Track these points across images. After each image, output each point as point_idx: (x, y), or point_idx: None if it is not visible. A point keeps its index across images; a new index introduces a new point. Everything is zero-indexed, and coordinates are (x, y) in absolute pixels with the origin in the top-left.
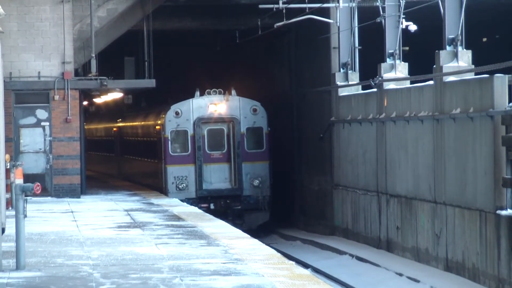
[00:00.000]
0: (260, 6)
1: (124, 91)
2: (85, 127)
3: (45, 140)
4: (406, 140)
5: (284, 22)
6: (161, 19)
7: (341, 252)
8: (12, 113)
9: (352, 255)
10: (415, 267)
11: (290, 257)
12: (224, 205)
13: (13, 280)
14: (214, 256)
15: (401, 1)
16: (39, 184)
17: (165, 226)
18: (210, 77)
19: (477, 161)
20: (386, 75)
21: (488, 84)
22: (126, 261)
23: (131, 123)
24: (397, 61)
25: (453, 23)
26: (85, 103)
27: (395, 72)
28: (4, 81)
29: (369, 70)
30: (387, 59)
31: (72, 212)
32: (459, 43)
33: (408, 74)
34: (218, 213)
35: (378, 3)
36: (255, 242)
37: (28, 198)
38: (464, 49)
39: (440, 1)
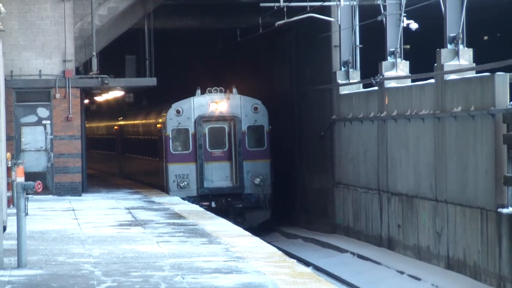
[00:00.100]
0: (261, 4)
1: (125, 89)
2: (86, 125)
3: (46, 138)
4: (407, 139)
5: (285, 20)
6: (162, 17)
7: (342, 250)
8: (13, 111)
9: (353, 253)
10: (416, 265)
11: (291, 255)
12: (225, 203)
13: (14, 278)
14: (216, 254)
15: None
16: (40, 182)
17: (167, 224)
18: (211, 76)
19: (478, 159)
20: (387, 74)
21: (489, 82)
22: (128, 259)
23: (132, 122)
24: (398, 60)
25: (454, 21)
26: (86, 101)
27: (396, 71)
28: (5, 79)
29: (370, 69)
30: (388, 58)
31: (73, 210)
32: (460, 41)
33: (409, 73)
34: (219, 211)
35: (379, 1)
36: (257, 240)
37: (29, 196)
38: (465, 48)
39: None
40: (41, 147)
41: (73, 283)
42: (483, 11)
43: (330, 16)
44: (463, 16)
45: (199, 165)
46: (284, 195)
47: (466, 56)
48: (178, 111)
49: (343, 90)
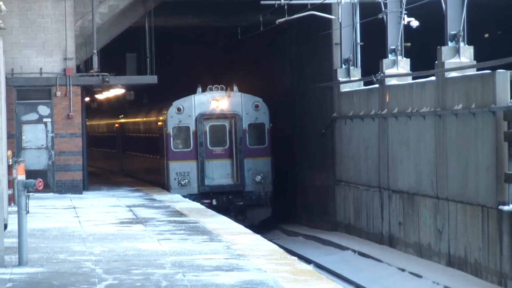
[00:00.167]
0: (262, 2)
1: (126, 87)
2: (87, 123)
3: (47, 136)
4: (408, 136)
5: (286, 18)
6: (162, 15)
7: (343, 248)
8: (14, 109)
9: (354, 251)
10: (417, 262)
11: (292, 253)
12: (226, 201)
13: (15, 276)
14: (217, 252)
15: None
16: (41, 180)
17: (168, 222)
18: (211, 74)
19: (479, 156)
20: (388, 71)
21: (490, 80)
22: (129, 257)
23: (133, 119)
24: (399, 57)
25: (455, 18)
26: (87, 99)
27: (397, 68)
28: (6, 77)
29: (371, 66)
30: (389, 55)
31: (74, 208)
32: (461, 39)
33: (410, 70)
34: (220, 209)
35: None
36: (258, 237)
37: (30, 194)
38: (466, 45)
39: None
40: (42, 145)
41: (74, 281)
42: (484, 9)
43: (330, 14)
44: (463, 14)
45: (200, 162)
46: (285, 193)
47: (466, 54)
48: (179, 109)
49: (344, 88)
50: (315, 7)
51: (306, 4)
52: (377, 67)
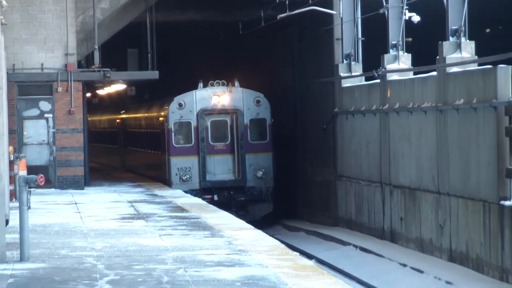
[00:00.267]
0: None
1: (127, 82)
2: (89, 118)
3: (48, 132)
4: (410, 131)
5: (287, 13)
6: (163, 11)
7: (344, 243)
8: (15, 105)
9: (356, 246)
10: (419, 257)
11: (294, 248)
12: (227, 196)
13: (17, 271)
14: (218, 247)
15: None
16: (42, 175)
17: (169, 218)
18: (213, 69)
19: (480, 151)
20: (389, 66)
21: (491, 75)
22: (130, 252)
23: (134, 115)
24: (400, 52)
25: (456, 14)
26: (88, 94)
27: (398, 63)
28: (7, 73)
29: (372, 61)
30: (390, 50)
31: (75, 203)
32: (462, 34)
33: (411, 65)
34: (222, 204)
35: None
36: (259, 233)
37: (31, 189)
38: (467, 40)
39: None
40: (43, 141)
41: (76, 276)
42: (485, 4)
43: (332, 9)
44: (465, 9)
45: (202, 158)
46: (287, 188)
47: (468, 49)
48: (180, 104)
49: (345, 83)
50: (316, 2)
51: (308, 0)
52: (379, 62)
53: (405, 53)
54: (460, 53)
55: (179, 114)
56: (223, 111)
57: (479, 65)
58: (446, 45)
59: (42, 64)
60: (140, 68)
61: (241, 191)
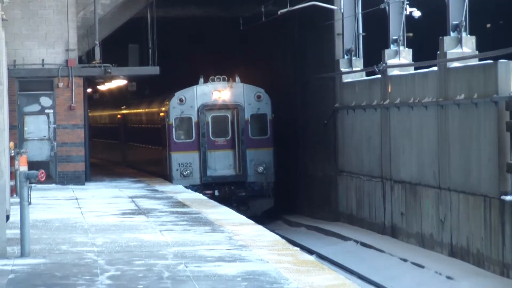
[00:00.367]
0: None
1: (128, 78)
2: (89, 114)
3: (49, 127)
4: (410, 126)
5: (288, 8)
6: (164, 6)
7: (345, 238)
8: (16, 100)
9: (356, 241)
10: (419, 252)
11: (294, 243)
12: (228, 192)
13: (17, 267)
14: (219, 243)
15: None
16: (43, 171)
17: (170, 213)
18: (213, 64)
19: (481, 146)
20: (390, 61)
21: (492, 70)
22: (131, 248)
23: (135, 110)
24: (401, 47)
25: (457, 9)
26: (89, 90)
27: (399, 58)
28: (8, 68)
29: (373, 57)
30: (391, 45)
31: (76, 199)
32: (463, 29)
33: (412, 60)
34: (223, 200)
35: None
36: (260, 228)
37: (32, 185)
38: (468, 35)
39: None
40: (44, 136)
41: (77, 272)
42: None
43: (333, 4)
44: (466, 4)
45: (202, 153)
46: (287, 183)
47: (469, 44)
48: (181, 100)
49: (346, 78)
50: None
51: None
52: (379, 57)
53: (406, 48)
54: (461, 48)
55: (180, 110)
56: (224, 107)
57: (480, 60)
58: (447, 40)
59: (43, 60)
60: (141, 63)
61: (242, 186)
